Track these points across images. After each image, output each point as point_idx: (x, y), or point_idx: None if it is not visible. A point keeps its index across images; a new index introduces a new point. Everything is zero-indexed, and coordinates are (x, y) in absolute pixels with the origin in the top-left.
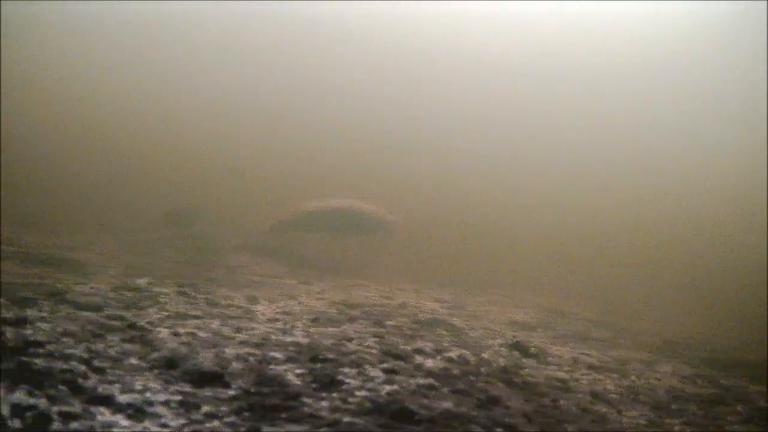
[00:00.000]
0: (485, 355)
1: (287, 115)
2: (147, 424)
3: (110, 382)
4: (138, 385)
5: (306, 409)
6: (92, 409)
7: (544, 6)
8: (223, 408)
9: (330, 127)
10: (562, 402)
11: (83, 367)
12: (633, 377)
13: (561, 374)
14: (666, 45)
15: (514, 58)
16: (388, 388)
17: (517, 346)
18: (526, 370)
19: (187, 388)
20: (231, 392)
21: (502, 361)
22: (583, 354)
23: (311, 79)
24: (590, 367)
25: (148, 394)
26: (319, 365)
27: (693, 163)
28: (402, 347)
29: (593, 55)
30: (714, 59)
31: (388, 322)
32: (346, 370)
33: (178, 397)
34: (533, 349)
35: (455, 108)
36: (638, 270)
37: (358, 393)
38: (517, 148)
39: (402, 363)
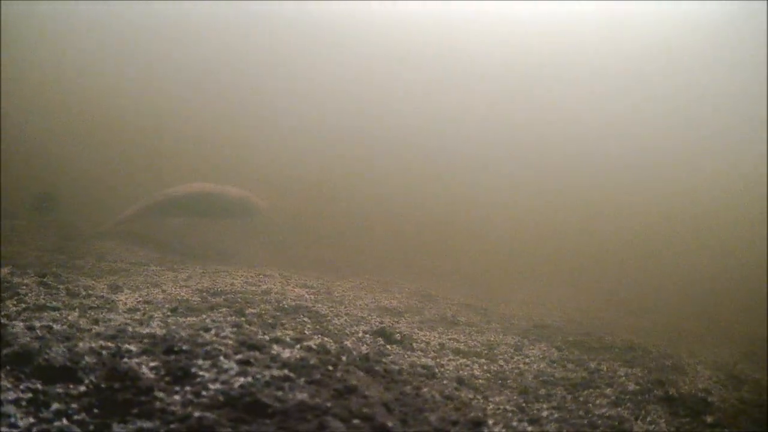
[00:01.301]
0: (347, 343)
1: (163, 95)
2: None
3: None
4: None
5: (158, 404)
6: None
7: (540, 6)
8: (74, 405)
9: (203, 110)
10: (425, 390)
11: None
12: (501, 362)
13: (426, 360)
14: (665, 45)
15: (506, 58)
16: (241, 380)
17: (381, 333)
18: (390, 357)
19: (38, 385)
20: (82, 388)
21: (364, 349)
22: (450, 339)
23: (186, 59)
24: (457, 352)
25: None
26: (173, 357)
27: (692, 164)
28: (260, 337)
29: (590, 55)
30: (714, 59)
31: (250, 310)
32: (200, 362)
33: (29, 395)
34: (398, 335)
35: (333, 91)
36: (511, 251)
37: (211, 386)
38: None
39: (258, 354)
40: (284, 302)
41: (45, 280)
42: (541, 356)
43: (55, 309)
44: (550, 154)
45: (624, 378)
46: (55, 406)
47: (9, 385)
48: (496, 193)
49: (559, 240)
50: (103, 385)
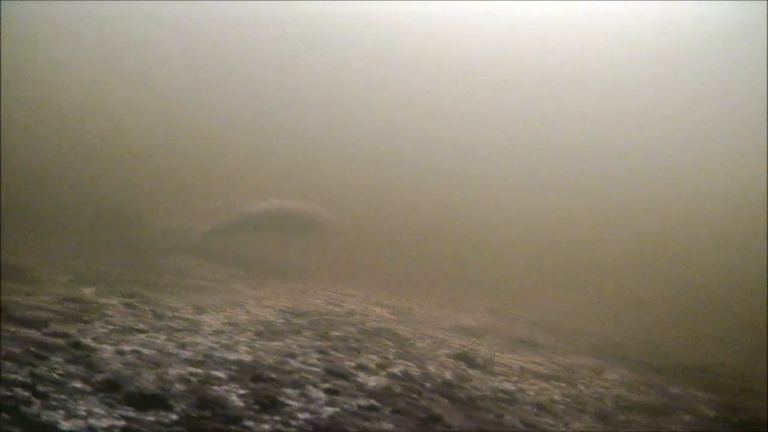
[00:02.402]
0: (430, 368)
1: (227, 113)
2: None
3: (54, 408)
4: (82, 410)
5: None
6: None
7: (540, 7)
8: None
9: (275, 127)
10: (506, 417)
11: (26, 393)
12: (580, 386)
13: (507, 385)
14: (665, 46)
15: (508, 59)
16: (329, 410)
17: (463, 357)
18: (472, 382)
19: (131, 413)
20: (173, 416)
21: (447, 374)
22: (531, 362)
23: (256, 76)
24: (537, 375)
25: (92, 420)
26: (261, 385)
27: (691, 165)
28: (345, 363)
29: (590, 57)
30: (713, 60)
31: (334, 333)
32: (289, 390)
33: (122, 423)
34: (479, 359)
35: (405, 108)
36: (587, 270)
37: (299, 415)
38: (476, 149)
39: (344, 382)
40: (367, 324)
41: (130, 300)
42: (619, 380)
43: (142, 332)
44: (568, 160)
45: (702, 403)
46: None
47: (102, 412)
48: (535, 206)
49: (587, 250)
50: (194, 414)
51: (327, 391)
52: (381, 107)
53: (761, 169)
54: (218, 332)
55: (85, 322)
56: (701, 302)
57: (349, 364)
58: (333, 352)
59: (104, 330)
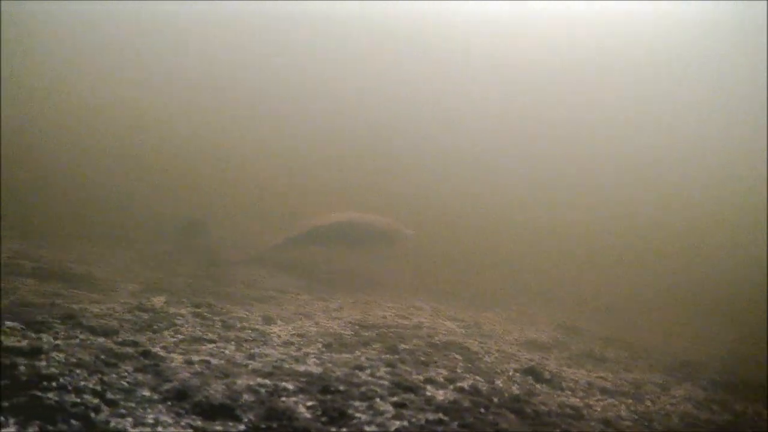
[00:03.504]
0: (498, 383)
1: (294, 123)
2: None
3: (122, 416)
4: (150, 419)
5: None
6: None
7: (539, 7)
8: None
9: (339, 136)
10: None
11: (96, 400)
12: (647, 402)
13: (574, 401)
14: (664, 46)
15: (520, 62)
16: (397, 423)
17: (531, 371)
18: (539, 397)
19: (198, 422)
20: (241, 427)
21: (515, 389)
22: (598, 378)
23: (323, 86)
24: (604, 391)
25: (159, 429)
26: (329, 397)
27: (691, 165)
28: (414, 377)
29: (589, 57)
30: (713, 60)
31: (402, 346)
32: (357, 403)
33: (189, 431)
34: (547, 373)
35: (468, 118)
36: (651, 280)
37: (366, 428)
38: (528, 158)
39: (413, 395)
40: (436, 338)
41: (200, 310)
42: (686, 396)
43: (211, 342)
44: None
45: (764, 420)
46: None
47: (170, 421)
48: (636, 218)
49: (695, 266)
50: (262, 425)
51: (395, 404)
52: (443, 114)
53: (761, 169)
54: (287, 343)
55: (155, 332)
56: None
57: (417, 377)
58: (401, 365)
59: (173, 339)
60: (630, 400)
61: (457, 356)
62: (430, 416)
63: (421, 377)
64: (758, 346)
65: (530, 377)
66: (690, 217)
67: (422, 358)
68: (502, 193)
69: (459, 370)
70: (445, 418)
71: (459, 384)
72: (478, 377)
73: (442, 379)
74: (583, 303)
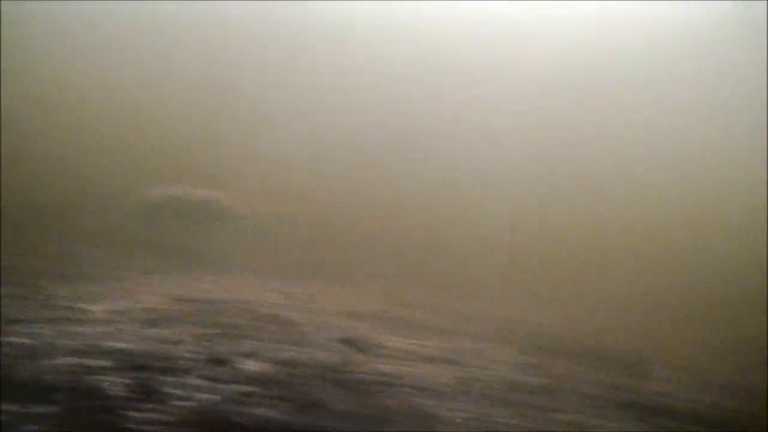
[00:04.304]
0: (317, 353)
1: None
2: None
3: None
4: None
5: (127, 424)
6: None
7: (538, 8)
8: (45, 424)
9: (184, 112)
10: (390, 400)
11: None
12: (466, 367)
13: (393, 368)
14: (664, 46)
15: (505, 62)
16: (210, 397)
17: (350, 341)
18: (357, 366)
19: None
20: (54, 408)
21: (333, 359)
22: (418, 345)
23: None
24: (425, 359)
25: None
26: (143, 374)
27: (690, 166)
28: (230, 350)
29: (588, 57)
30: (713, 60)
31: (224, 320)
32: (170, 378)
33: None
34: (367, 342)
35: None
36: (488, 255)
37: (180, 403)
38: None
39: (227, 369)
40: (260, 311)
41: (22, 291)
42: (504, 360)
43: (27, 322)
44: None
45: (585, 382)
46: (30, 427)
47: None
48: (456, 190)
49: (487, 234)
50: (74, 404)
51: (208, 378)
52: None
53: (761, 169)
54: (105, 321)
55: None
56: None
57: (234, 350)
58: (220, 340)
59: None
60: (451, 366)
61: (278, 328)
62: (243, 388)
63: (237, 350)
64: (574, 308)
65: (350, 347)
66: (689, 218)
67: (242, 332)
68: (335, 166)
69: (278, 342)
70: (260, 390)
71: (276, 356)
72: (297, 348)
73: (259, 352)
74: (411, 273)
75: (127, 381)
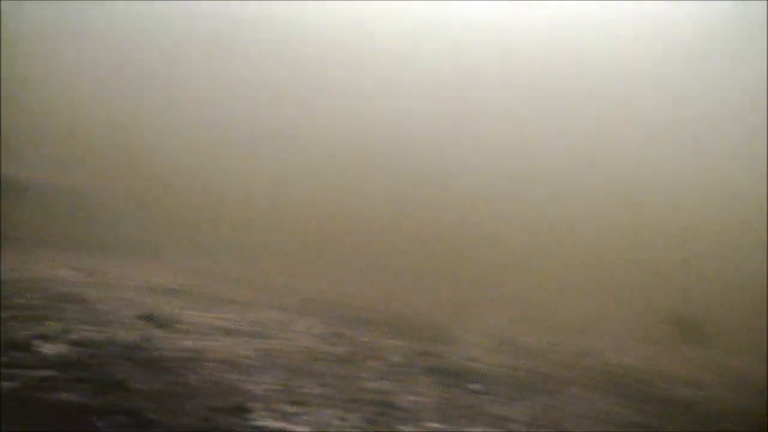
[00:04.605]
0: (116, 332)
1: None
2: None
3: None
4: None
5: None
6: None
7: (537, 8)
8: None
9: None
10: (193, 376)
11: None
12: (268, 339)
13: (195, 344)
14: (665, 46)
15: (505, 63)
16: (8, 385)
17: (150, 318)
18: (158, 343)
19: None
20: None
21: (132, 337)
22: (218, 318)
23: None
24: (225, 331)
25: None
26: None
27: (690, 166)
28: (24, 333)
29: (587, 58)
30: (713, 60)
31: (15, 301)
32: None
33: None
34: (167, 318)
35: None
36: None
37: None
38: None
39: (23, 354)
40: (52, 289)
41: None
42: (306, 331)
43: None
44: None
45: (389, 349)
46: None
47: None
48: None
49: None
50: None
51: (5, 365)
52: None
53: (761, 170)
54: None
55: None
56: None
57: (26, 333)
58: (11, 323)
59: None
60: (251, 339)
61: (74, 307)
62: (42, 373)
63: (32, 333)
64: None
65: (150, 323)
66: (689, 217)
67: (35, 313)
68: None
69: (74, 323)
70: (58, 374)
71: (73, 337)
72: (94, 328)
73: (54, 333)
74: (213, 247)
75: None
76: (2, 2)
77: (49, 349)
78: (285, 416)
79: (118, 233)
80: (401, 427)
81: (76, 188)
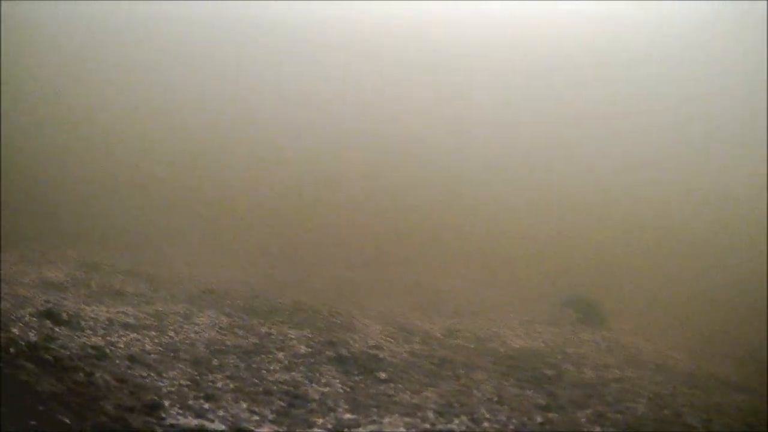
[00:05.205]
0: (15, 331)
1: None
2: None
3: None
4: None
5: None
6: None
7: (540, 6)
8: None
9: None
10: (98, 374)
11: None
12: (171, 333)
13: (96, 340)
14: (664, 46)
15: (505, 60)
16: None
17: (48, 314)
18: (59, 341)
19: None
20: None
21: (32, 336)
22: (119, 313)
23: None
24: (127, 326)
25: None
26: None
27: (690, 166)
28: None
29: (587, 58)
30: (713, 60)
31: None
32: None
33: None
34: (66, 314)
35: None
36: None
37: None
38: None
39: None
40: None
41: None
42: (210, 324)
43: None
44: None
45: (295, 340)
46: None
47: None
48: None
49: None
50: None
51: None
52: None
53: (761, 169)
54: None
55: None
56: None
57: None
58: None
59: None
60: (153, 333)
61: None
62: None
63: None
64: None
65: (48, 321)
66: (688, 218)
67: None
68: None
69: None
70: None
71: None
72: None
73: None
74: (104, 241)
75: None
76: (2, 2)
77: None
78: (199, 413)
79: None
80: (315, 419)
81: None
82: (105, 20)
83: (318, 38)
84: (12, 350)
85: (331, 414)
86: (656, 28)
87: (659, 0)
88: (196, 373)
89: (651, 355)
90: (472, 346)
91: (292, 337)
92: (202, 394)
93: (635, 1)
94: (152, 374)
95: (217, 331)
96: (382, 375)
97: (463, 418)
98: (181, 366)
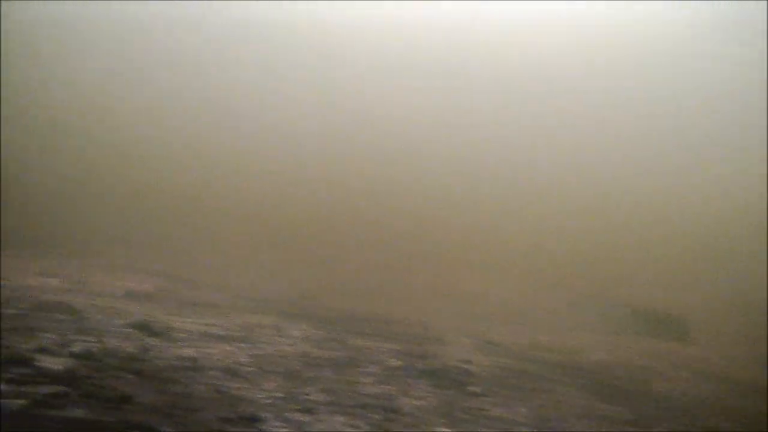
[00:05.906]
0: (111, 342)
1: None
2: None
3: None
4: None
5: None
6: None
7: (535, 6)
8: None
9: None
10: (195, 386)
11: None
12: (261, 344)
13: (190, 352)
14: (664, 46)
15: (501, 63)
16: (18, 402)
17: (141, 325)
18: (154, 352)
19: None
20: None
21: (128, 347)
22: (207, 324)
23: None
24: (218, 338)
25: None
26: None
27: (689, 166)
28: (24, 347)
29: (585, 58)
30: (713, 60)
31: (6, 311)
32: None
33: None
34: (157, 325)
35: None
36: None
37: None
38: None
39: (26, 369)
40: (41, 297)
41: None
42: (302, 337)
43: None
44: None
45: (387, 353)
46: None
47: None
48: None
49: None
50: None
51: (10, 381)
52: None
53: (761, 169)
54: None
55: None
56: None
57: (27, 347)
58: (8, 335)
59: None
60: (245, 345)
61: (65, 317)
62: (48, 389)
63: (31, 347)
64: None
65: (141, 332)
66: (687, 218)
67: (30, 324)
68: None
69: (69, 334)
70: (66, 390)
71: (71, 349)
72: (88, 339)
73: (53, 346)
74: (187, 251)
75: None
76: (2, 2)
77: (52, 363)
78: (298, 425)
79: (94, 238)
80: None
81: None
82: (105, 20)
83: (323, 42)
84: (111, 361)
85: (427, 427)
86: (657, 30)
87: (659, 0)
88: (290, 386)
89: (726, 368)
90: (557, 359)
91: (384, 350)
92: (299, 407)
93: (635, 1)
94: (248, 386)
95: (308, 344)
96: (474, 389)
97: None
98: (275, 378)
